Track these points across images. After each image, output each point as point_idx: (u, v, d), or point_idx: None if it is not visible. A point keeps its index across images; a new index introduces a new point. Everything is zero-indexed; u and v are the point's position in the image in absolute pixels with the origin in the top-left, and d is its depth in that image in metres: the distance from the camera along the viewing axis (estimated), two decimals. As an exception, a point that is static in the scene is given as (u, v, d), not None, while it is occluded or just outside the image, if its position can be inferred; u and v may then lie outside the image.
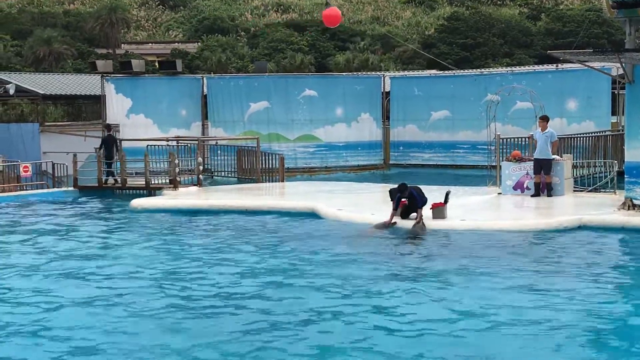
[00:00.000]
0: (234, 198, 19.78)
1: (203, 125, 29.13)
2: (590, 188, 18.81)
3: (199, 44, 68.81)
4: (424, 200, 15.08)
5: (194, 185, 22.18)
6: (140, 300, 9.99)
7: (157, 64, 48.88)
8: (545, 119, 18.66)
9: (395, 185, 16.01)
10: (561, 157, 18.84)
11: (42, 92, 34.48)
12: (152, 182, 21.68)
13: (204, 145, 25.80)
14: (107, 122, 27.70)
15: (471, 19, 64.69)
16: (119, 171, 22.21)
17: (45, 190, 22.53)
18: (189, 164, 23.87)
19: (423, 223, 14.68)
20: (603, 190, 18.54)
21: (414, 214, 15.16)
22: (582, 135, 22.69)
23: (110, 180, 22.29)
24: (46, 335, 8.61)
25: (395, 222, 14.96)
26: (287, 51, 61.35)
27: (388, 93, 30.79)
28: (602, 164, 20.39)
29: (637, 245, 13.60)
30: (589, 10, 64.80)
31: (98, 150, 23.14)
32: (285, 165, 24.59)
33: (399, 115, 30.37)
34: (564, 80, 26.87)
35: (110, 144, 23.23)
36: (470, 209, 16.40)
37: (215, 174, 25.99)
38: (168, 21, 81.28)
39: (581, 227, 14.66)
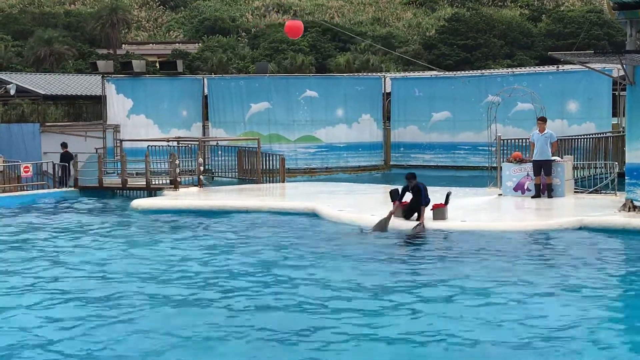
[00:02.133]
0: (234, 198, 19.79)
1: (204, 125, 29.12)
2: (590, 189, 18.81)
3: (200, 44, 68.85)
4: (427, 200, 15.07)
5: (195, 185, 22.19)
6: (141, 301, 10.00)
7: (157, 64, 48.87)
8: (543, 120, 18.68)
9: (395, 187, 16.02)
10: (562, 158, 18.85)
11: (43, 93, 34.46)
12: (153, 183, 21.69)
13: (204, 145, 25.81)
14: (108, 123, 27.76)
15: (472, 20, 64.67)
16: (119, 171, 22.25)
17: (45, 191, 22.54)
18: (190, 164, 23.88)
19: (423, 225, 14.66)
20: (604, 191, 18.54)
21: (415, 214, 15.14)
22: (582, 136, 22.68)
23: None
24: (45, 338, 8.63)
25: (392, 213, 14.92)
26: (288, 52, 61.36)
27: (389, 94, 30.79)
28: (602, 165, 20.39)
29: (637, 246, 13.59)
30: (589, 12, 64.80)
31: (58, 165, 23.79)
32: (286, 166, 24.60)
33: (399, 116, 30.37)
34: (565, 81, 26.86)
35: (66, 161, 23.77)
36: (470, 210, 16.40)
37: (216, 174, 26.00)
38: (169, 22, 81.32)
39: (582, 229, 14.66)
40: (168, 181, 21.97)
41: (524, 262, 12.00)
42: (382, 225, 14.80)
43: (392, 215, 14.96)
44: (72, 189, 22.36)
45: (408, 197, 15.35)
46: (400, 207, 15.28)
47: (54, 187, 23.87)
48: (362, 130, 29.75)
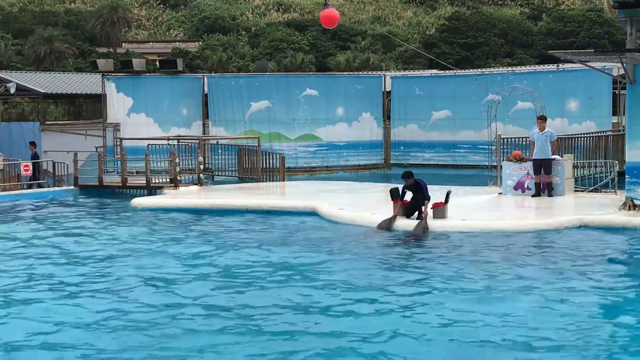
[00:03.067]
0: (234, 197, 19.79)
1: (204, 124, 29.11)
2: (591, 188, 18.81)
3: (200, 43, 68.89)
4: (429, 196, 15.03)
5: (195, 184, 22.18)
6: (141, 299, 10.00)
7: (158, 63, 48.88)
8: (543, 119, 18.68)
9: (395, 185, 16.00)
10: (562, 157, 18.85)
11: (43, 91, 34.47)
12: (153, 181, 21.70)
13: (204, 144, 25.80)
14: (108, 121, 27.75)
15: (472, 19, 64.73)
16: (119, 170, 22.26)
17: (46, 189, 22.54)
18: (190, 163, 23.88)
19: (426, 223, 14.61)
20: (604, 190, 18.55)
21: (416, 213, 15.12)
22: (583, 135, 22.68)
23: None
24: (42, 337, 8.64)
25: (395, 216, 14.92)
26: (288, 50, 61.40)
27: (389, 93, 30.78)
28: (602, 164, 20.40)
29: (637, 245, 13.60)
30: (590, 11, 64.85)
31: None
32: (286, 165, 24.61)
33: (399, 115, 30.35)
34: (565, 80, 26.85)
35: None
36: (470, 209, 16.40)
37: (216, 173, 25.99)
38: (169, 20, 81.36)
39: (582, 227, 14.66)
40: (168, 180, 21.97)
41: (524, 261, 12.00)
42: (386, 225, 14.79)
43: (396, 217, 14.95)
44: (73, 187, 22.35)
45: (408, 195, 15.34)
46: (401, 206, 15.26)
47: (54, 186, 23.86)
48: (362, 129, 29.74)
